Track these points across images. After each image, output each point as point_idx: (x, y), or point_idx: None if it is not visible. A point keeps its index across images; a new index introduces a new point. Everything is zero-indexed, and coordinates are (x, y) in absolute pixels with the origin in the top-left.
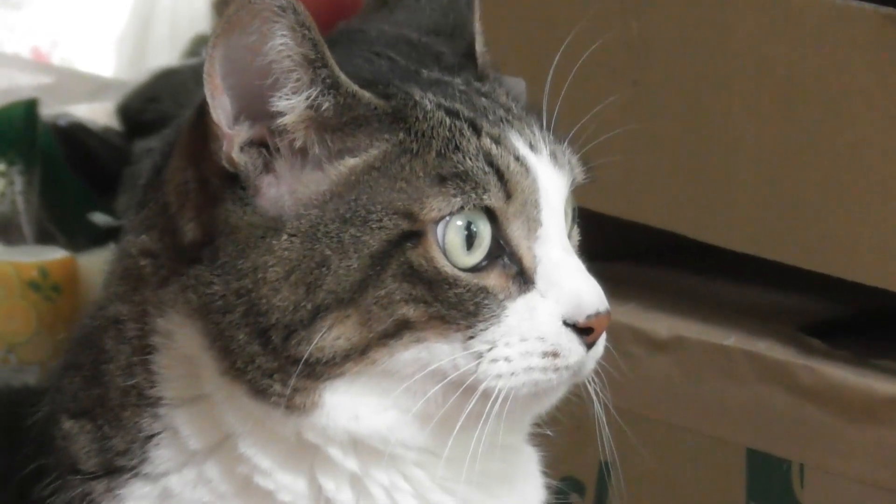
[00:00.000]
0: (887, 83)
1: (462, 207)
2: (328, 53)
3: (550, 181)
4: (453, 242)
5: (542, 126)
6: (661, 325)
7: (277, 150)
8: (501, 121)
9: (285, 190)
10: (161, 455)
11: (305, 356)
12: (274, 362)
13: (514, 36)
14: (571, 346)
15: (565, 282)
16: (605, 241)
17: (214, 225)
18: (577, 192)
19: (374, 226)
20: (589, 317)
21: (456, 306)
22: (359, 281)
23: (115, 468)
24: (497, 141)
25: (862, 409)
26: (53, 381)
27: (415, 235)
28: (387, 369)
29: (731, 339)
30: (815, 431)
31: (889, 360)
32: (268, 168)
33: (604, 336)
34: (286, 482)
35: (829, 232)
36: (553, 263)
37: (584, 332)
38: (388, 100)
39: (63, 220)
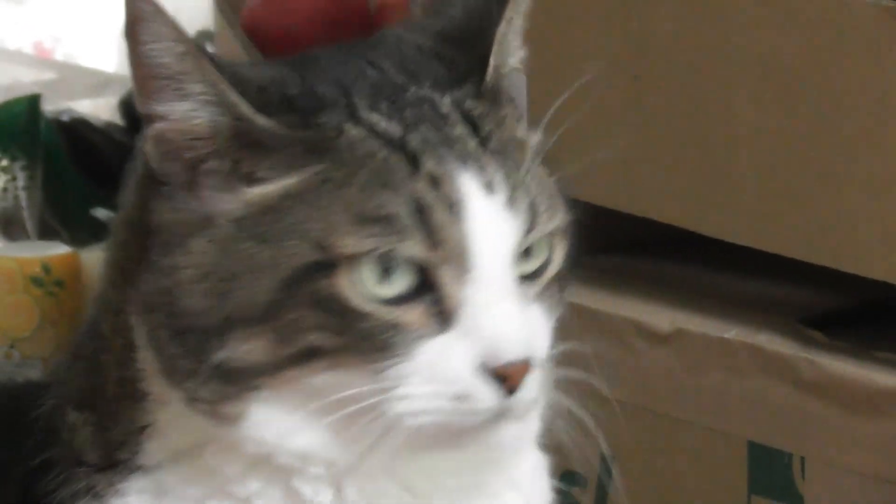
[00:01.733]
0: (888, 76)
1: (376, 249)
2: (209, 67)
3: (495, 226)
4: (368, 276)
5: (515, 160)
6: (662, 318)
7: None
8: (461, 156)
9: (206, 194)
10: (153, 447)
11: (218, 363)
12: (193, 365)
13: None
14: (484, 391)
15: (487, 326)
16: (605, 235)
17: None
18: (578, 190)
19: (288, 251)
20: (505, 364)
21: (365, 339)
22: (269, 301)
23: (116, 461)
24: (436, 182)
25: (863, 401)
26: (60, 373)
27: (327, 266)
28: (304, 389)
29: (732, 331)
30: (817, 424)
31: (891, 353)
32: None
33: (536, 380)
34: (257, 488)
35: (829, 224)
36: (480, 307)
37: (502, 378)
38: (305, 127)
39: (66, 216)
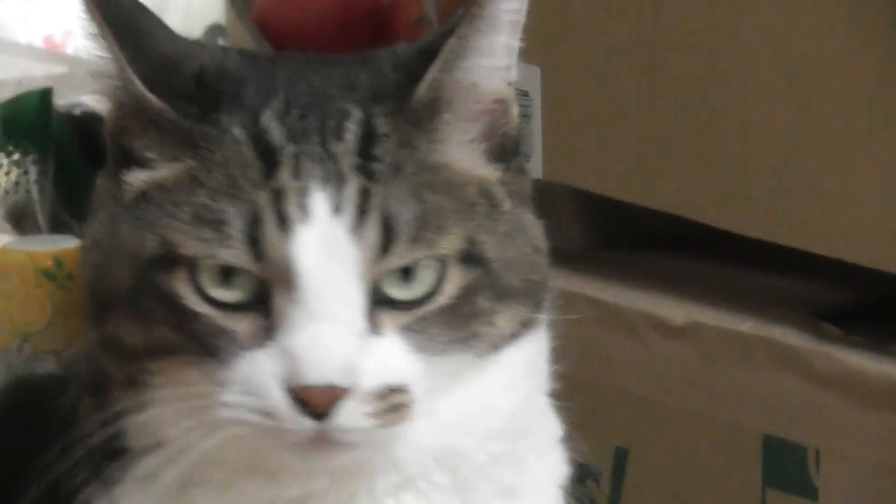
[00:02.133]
0: None
1: (209, 255)
2: (111, 38)
3: (333, 246)
4: (207, 278)
5: (400, 182)
6: (677, 311)
7: None
8: (324, 173)
9: (115, 169)
10: (137, 433)
11: (109, 338)
12: (97, 339)
13: (529, 23)
14: (289, 412)
15: (297, 346)
16: (621, 228)
17: None
18: (593, 183)
19: (145, 241)
20: (304, 387)
21: (197, 341)
22: (129, 287)
23: (117, 448)
24: (279, 195)
25: (879, 394)
26: (76, 365)
27: (168, 262)
28: (176, 380)
29: (747, 325)
30: (831, 417)
31: None
32: None
33: (358, 410)
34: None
35: (845, 218)
36: (298, 326)
37: (305, 401)
38: (197, 120)
39: (77, 209)
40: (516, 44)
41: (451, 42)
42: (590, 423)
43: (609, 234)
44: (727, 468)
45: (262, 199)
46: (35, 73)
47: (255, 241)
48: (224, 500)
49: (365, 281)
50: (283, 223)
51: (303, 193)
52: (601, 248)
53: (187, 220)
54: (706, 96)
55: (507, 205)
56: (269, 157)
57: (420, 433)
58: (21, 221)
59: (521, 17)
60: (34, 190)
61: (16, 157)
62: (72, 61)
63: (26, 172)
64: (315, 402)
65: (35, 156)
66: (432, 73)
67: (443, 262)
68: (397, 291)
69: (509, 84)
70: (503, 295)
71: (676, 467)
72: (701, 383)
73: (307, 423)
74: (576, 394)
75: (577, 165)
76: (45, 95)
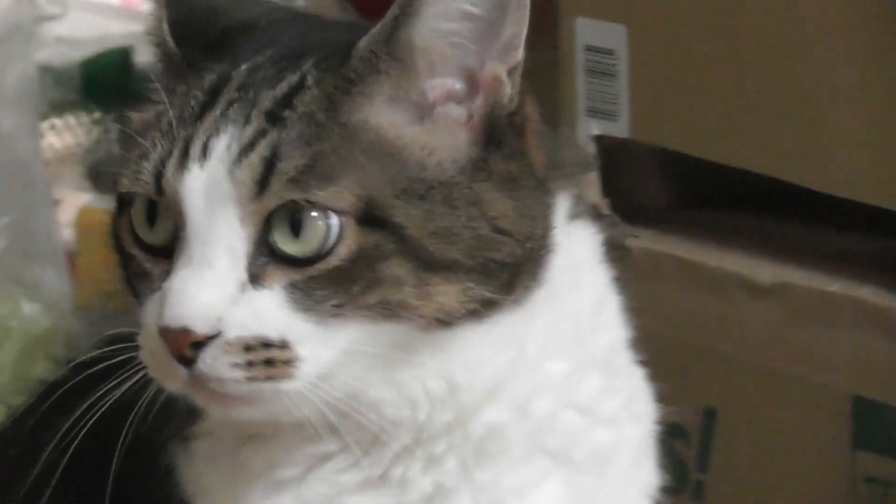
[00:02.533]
0: None
1: (128, 190)
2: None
3: (214, 188)
4: (137, 217)
5: (298, 133)
6: (765, 271)
7: None
8: (237, 120)
9: None
10: None
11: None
12: None
13: None
14: (162, 353)
15: (167, 290)
16: (707, 188)
17: None
18: (682, 143)
19: (120, 178)
20: (163, 329)
21: (130, 281)
22: (110, 233)
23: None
24: (192, 134)
25: None
26: None
27: (121, 203)
28: None
29: (835, 285)
30: None
31: None
32: None
33: (215, 356)
34: None
35: None
36: (178, 269)
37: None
38: (190, 65)
39: None
40: (485, 14)
41: (394, 8)
42: (678, 383)
43: (695, 194)
44: (817, 429)
45: (180, 137)
46: (114, 32)
47: (158, 178)
48: (270, 450)
49: (247, 227)
50: (182, 161)
51: (211, 135)
52: (687, 207)
53: (133, 159)
54: (791, 56)
55: (457, 178)
56: (209, 102)
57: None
58: (102, 180)
59: None
60: (115, 148)
61: (96, 115)
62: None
63: (107, 131)
64: (171, 344)
65: (116, 115)
66: (368, 37)
67: (337, 221)
68: (288, 246)
69: (487, 63)
70: (434, 267)
71: (765, 428)
72: (789, 343)
73: (178, 368)
74: (663, 354)
75: (665, 125)
76: (125, 54)
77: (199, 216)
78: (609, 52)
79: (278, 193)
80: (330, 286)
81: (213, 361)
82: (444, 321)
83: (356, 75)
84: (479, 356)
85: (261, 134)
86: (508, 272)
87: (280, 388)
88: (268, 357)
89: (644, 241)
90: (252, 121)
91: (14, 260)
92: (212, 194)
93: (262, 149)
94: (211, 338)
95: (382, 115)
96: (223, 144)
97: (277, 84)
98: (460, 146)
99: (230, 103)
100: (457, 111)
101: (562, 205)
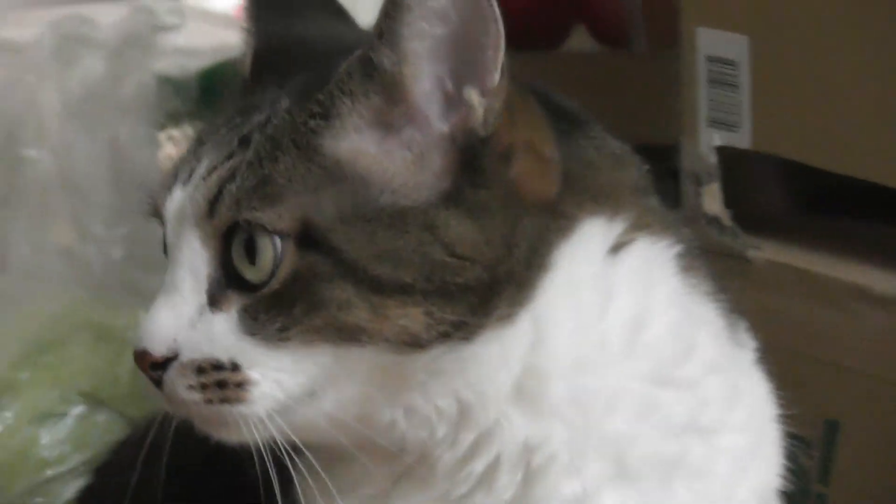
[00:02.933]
0: None
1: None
2: None
3: (181, 210)
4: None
5: (257, 158)
6: (886, 281)
7: None
8: (211, 148)
9: None
10: None
11: None
12: None
13: None
14: (144, 376)
15: (150, 310)
16: (826, 197)
17: None
18: (803, 153)
19: None
20: (134, 350)
21: None
22: None
23: None
24: (180, 165)
25: None
26: None
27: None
28: None
29: None
30: None
31: None
32: None
33: (173, 378)
34: None
35: None
36: (160, 291)
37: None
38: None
39: None
40: (456, 39)
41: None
42: (799, 394)
43: (814, 203)
44: None
45: (183, 161)
46: (231, 42)
47: (156, 199)
48: (354, 468)
49: (208, 249)
50: (170, 184)
51: (201, 159)
52: (806, 216)
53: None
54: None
55: (416, 202)
56: (216, 129)
57: None
58: None
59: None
60: None
61: None
62: None
63: None
64: (138, 364)
65: None
66: (345, 63)
67: (280, 243)
68: (246, 270)
69: (459, 87)
70: (385, 290)
71: (888, 441)
72: None
73: (151, 385)
74: (785, 365)
75: (787, 136)
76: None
77: (173, 238)
78: (731, 63)
79: (224, 213)
80: (272, 308)
81: (171, 383)
82: (413, 344)
83: (326, 106)
84: (483, 374)
85: (228, 157)
86: (477, 295)
87: (238, 412)
88: (219, 379)
89: (765, 251)
90: (228, 147)
91: (132, 270)
92: (180, 216)
93: (223, 170)
94: (170, 360)
95: (345, 139)
96: (203, 168)
97: (265, 112)
98: (426, 171)
99: (227, 128)
100: (422, 136)
101: (592, 225)
